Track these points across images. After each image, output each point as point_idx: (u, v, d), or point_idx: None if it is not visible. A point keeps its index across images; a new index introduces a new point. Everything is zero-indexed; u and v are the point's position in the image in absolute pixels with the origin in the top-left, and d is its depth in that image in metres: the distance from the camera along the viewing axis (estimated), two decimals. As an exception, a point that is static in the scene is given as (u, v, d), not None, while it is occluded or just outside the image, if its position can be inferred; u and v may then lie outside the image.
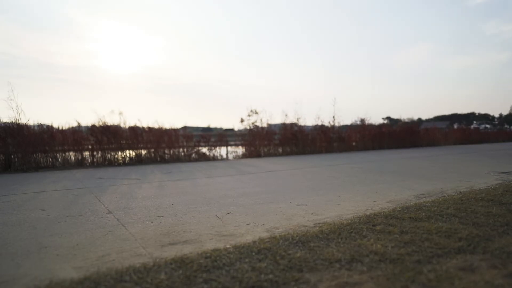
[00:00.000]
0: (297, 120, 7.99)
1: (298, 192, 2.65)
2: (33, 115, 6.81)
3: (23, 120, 4.95)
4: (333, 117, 8.45)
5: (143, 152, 6.05)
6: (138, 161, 5.89)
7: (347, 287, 1.00)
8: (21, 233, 1.65)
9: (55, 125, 5.70)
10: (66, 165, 5.29)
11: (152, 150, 6.09)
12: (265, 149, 7.50)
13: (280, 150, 7.64)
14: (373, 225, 1.58)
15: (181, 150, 6.45)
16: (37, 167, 4.95)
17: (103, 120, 5.83)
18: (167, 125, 6.51)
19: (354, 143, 8.90)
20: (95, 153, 5.67)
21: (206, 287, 0.99)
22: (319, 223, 1.72)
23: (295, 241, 1.38)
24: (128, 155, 5.96)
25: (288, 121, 8.00)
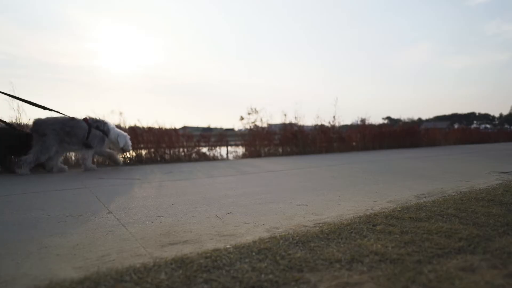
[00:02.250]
0: (297, 120, 7.99)
1: (298, 192, 2.65)
2: (33, 115, 6.81)
3: (23, 120, 4.95)
4: (334, 117, 8.45)
5: (143, 152, 6.05)
6: (138, 161, 5.89)
7: (348, 287, 0.99)
8: (21, 233, 1.65)
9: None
10: (66, 165, 5.29)
11: (152, 150, 6.09)
12: (265, 149, 7.49)
13: (280, 150, 7.64)
14: (373, 225, 1.57)
15: (181, 150, 6.45)
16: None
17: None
18: (167, 125, 6.52)
19: (354, 143, 8.90)
20: (95, 153, 5.67)
21: (206, 287, 0.99)
22: (319, 223, 1.72)
23: (295, 241, 1.37)
24: (128, 155, 5.96)
25: (288, 121, 8.00)
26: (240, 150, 7.60)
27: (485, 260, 1.17)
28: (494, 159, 5.35)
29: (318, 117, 8.38)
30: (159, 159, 6.10)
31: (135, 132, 6.07)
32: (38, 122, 4.11)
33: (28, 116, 4.95)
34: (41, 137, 4.01)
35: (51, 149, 4.05)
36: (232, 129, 9.30)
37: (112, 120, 6.07)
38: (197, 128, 8.82)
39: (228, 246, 1.36)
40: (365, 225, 1.59)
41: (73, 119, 4.24)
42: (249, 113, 7.61)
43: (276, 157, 6.84)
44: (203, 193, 2.69)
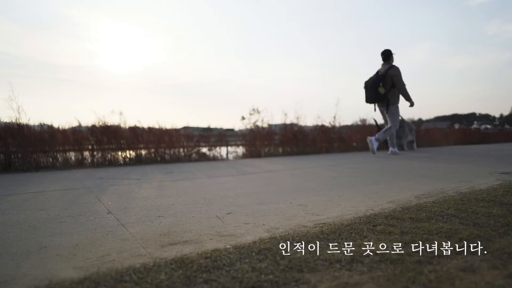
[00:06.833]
0: (298, 120, 7.99)
1: (299, 192, 2.65)
2: (33, 115, 6.81)
3: (23, 120, 4.95)
4: (334, 117, 8.44)
5: (143, 152, 6.05)
6: (138, 161, 5.89)
7: (348, 287, 0.99)
8: (21, 233, 1.65)
9: (56, 125, 5.70)
10: (66, 165, 5.29)
11: (153, 150, 6.09)
12: (266, 149, 7.49)
13: (280, 150, 7.64)
14: (373, 226, 1.57)
15: (181, 150, 6.45)
16: (37, 167, 4.95)
17: (103, 120, 5.83)
18: (167, 125, 6.52)
19: (354, 143, 8.89)
20: (95, 153, 5.67)
21: (206, 287, 0.99)
22: (319, 224, 1.72)
23: (295, 242, 1.37)
24: (128, 155, 5.96)
25: (288, 121, 8.00)
26: (240, 150, 7.60)
27: (485, 260, 1.17)
28: (495, 160, 5.35)
29: (318, 117, 8.38)
30: (159, 159, 6.10)
31: (135, 132, 6.08)
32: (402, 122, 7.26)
33: (27, 116, 4.97)
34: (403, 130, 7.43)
35: (406, 137, 7.64)
36: (232, 129, 9.29)
37: (112, 120, 6.10)
38: (197, 128, 8.81)
39: (228, 246, 1.36)
40: (365, 225, 1.58)
41: (405, 120, 7.66)
42: (251, 114, 7.61)
43: (276, 157, 6.84)
44: (203, 193, 2.69)
